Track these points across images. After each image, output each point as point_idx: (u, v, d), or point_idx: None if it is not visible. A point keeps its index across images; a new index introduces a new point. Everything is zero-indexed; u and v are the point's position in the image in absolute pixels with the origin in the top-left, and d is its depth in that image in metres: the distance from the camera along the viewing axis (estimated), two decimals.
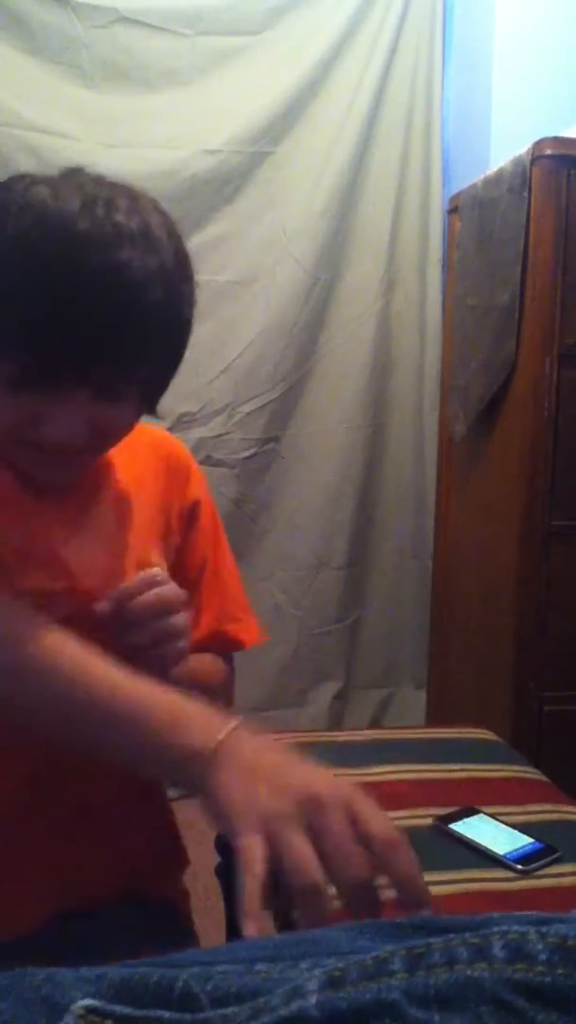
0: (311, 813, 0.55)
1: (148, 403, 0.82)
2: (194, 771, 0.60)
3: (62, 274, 0.68)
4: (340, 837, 0.54)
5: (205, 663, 0.97)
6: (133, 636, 0.77)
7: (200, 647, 0.98)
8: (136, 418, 0.82)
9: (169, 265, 0.74)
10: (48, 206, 0.69)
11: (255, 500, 2.41)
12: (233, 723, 0.62)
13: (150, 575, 0.79)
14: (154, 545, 0.93)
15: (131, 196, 0.74)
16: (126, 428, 0.82)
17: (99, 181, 0.74)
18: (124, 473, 0.92)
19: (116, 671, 0.67)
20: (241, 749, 0.60)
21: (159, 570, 0.80)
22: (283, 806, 0.55)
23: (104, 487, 0.90)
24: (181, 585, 0.97)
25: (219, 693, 0.99)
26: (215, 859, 1.29)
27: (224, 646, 1.02)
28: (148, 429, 0.98)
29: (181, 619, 0.80)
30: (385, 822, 0.56)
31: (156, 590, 0.78)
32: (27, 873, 0.85)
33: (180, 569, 0.97)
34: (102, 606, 0.77)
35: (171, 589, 0.80)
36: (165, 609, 0.78)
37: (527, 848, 0.94)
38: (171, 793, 1.03)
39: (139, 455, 0.94)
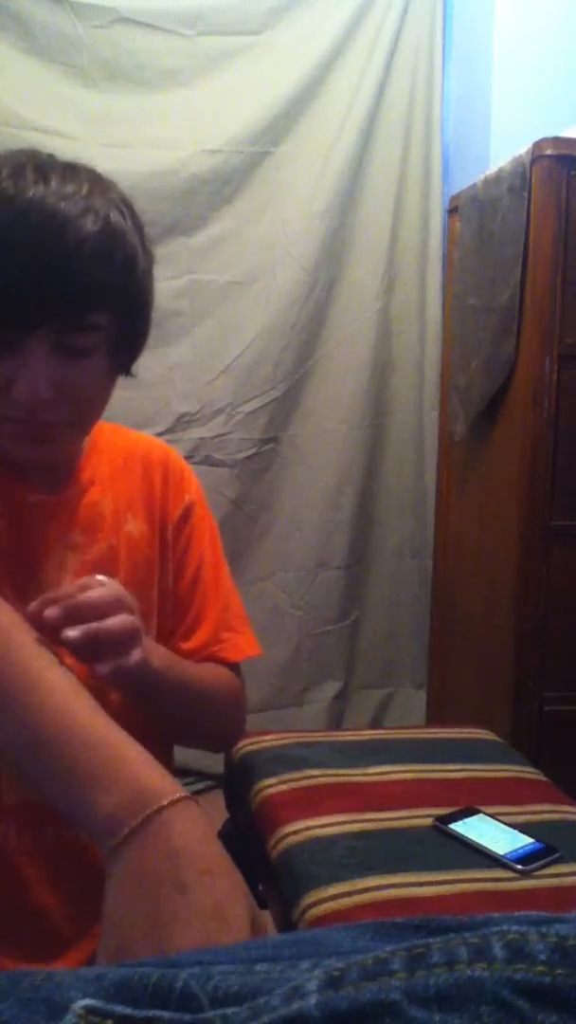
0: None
1: (119, 362, 0.82)
2: (101, 841, 0.52)
3: None
4: None
5: (206, 669, 0.95)
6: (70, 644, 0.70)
7: (195, 654, 0.96)
8: (108, 377, 0.81)
9: (102, 207, 0.75)
10: None
11: (255, 500, 2.41)
12: (168, 799, 0.52)
13: (87, 580, 0.74)
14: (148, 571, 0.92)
15: (70, 165, 0.77)
16: (97, 388, 0.80)
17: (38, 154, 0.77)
18: (113, 498, 0.91)
19: (64, 688, 0.60)
20: (150, 850, 0.51)
21: (102, 577, 0.76)
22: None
23: (96, 526, 0.89)
24: (180, 588, 0.96)
25: (223, 702, 0.96)
26: None
27: (220, 655, 0.97)
28: (138, 440, 0.98)
29: (119, 621, 0.72)
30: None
31: (89, 593, 0.72)
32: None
33: (178, 571, 0.96)
34: (32, 607, 0.70)
35: (105, 591, 0.73)
36: (96, 611, 0.71)
37: (527, 848, 0.94)
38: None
39: (130, 472, 0.94)
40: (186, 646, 0.96)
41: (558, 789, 1.12)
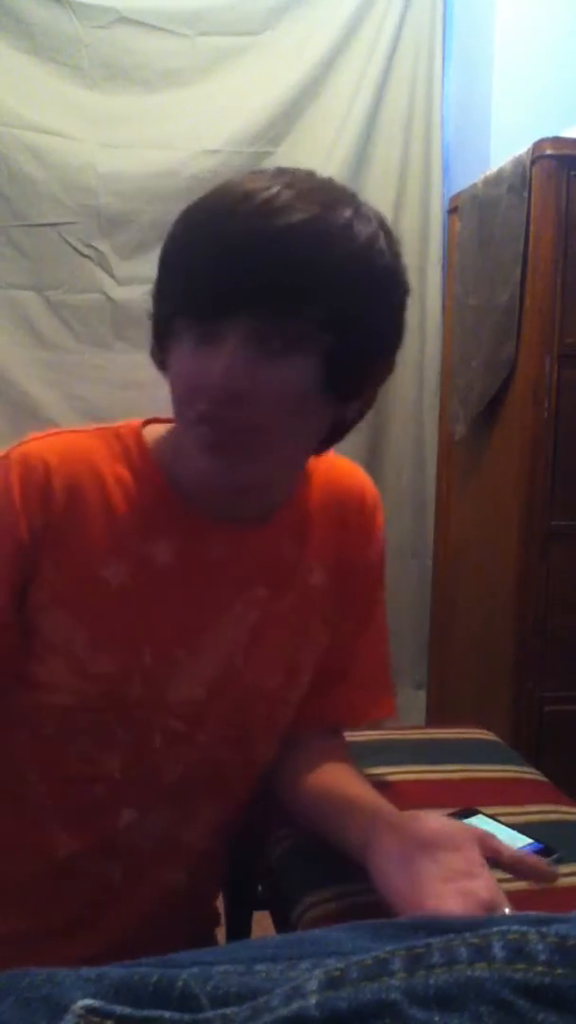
0: None
1: (333, 389, 0.72)
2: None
3: (221, 212, 0.69)
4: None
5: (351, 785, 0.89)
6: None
7: (323, 714, 0.93)
8: (312, 398, 0.71)
9: (343, 203, 0.72)
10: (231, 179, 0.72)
11: None
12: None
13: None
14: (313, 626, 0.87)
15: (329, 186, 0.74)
16: (295, 404, 0.70)
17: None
18: (301, 545, 0.85)
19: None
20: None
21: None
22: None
23: (266, 566, 0.83)
24: (339, 642, 0.92)
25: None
26: None
27: (351, 715, 0.97)
28: (337, 472, 0.91)
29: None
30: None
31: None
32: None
33: (344, 625, 0.92)
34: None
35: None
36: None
37: (527, 848, 0.94)
38: None
39: (325, 516, 0.87)
40: (319, 700, 0.92)
41: (558, 789, 1.12)
